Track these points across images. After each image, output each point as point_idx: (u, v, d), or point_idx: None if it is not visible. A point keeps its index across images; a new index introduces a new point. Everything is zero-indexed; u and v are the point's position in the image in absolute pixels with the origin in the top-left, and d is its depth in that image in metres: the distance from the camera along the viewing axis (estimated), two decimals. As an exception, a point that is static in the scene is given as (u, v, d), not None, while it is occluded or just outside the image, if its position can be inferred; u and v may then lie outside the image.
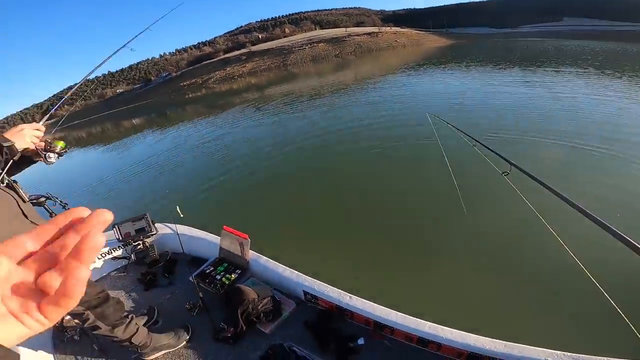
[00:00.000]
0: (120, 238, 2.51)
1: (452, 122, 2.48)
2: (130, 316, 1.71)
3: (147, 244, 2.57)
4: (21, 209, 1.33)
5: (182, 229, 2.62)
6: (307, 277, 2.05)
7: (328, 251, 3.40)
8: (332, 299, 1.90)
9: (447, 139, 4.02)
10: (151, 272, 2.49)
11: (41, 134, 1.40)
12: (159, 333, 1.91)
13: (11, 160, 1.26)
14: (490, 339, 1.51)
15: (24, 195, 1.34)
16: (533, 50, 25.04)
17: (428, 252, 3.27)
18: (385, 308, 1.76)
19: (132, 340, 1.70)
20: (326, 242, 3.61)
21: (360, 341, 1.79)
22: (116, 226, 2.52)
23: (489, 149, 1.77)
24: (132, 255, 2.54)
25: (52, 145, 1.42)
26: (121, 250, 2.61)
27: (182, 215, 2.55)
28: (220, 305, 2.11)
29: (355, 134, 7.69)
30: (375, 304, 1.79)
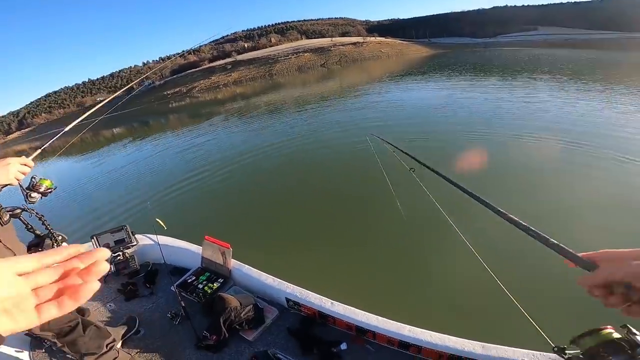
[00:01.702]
0: (99, 250, 2.47)
1: (392, 134, 2.58)
2: (109, 345, 1.61)
3: (127, 255, 2.53)
4: None
5: (164, 239, 2.61)
6: (290, 284, 2.08)
7: (309, 258, 3.45)
8: (314, 305, 1.93)
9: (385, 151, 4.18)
10: (131, 282, 2.47)
11: (29, 170, 1.26)
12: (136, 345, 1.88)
13: None
14: (468, 340, 1.55)
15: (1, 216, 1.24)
16: (507, 59, 26.32)
17: (402, 257, 3.36)
18: (367, 313, 1.80)
19: None
20: (307, 249, 3.66)
21: (343, 346, 1.82)
22: (94, 237, 2.48)
23: (402, 151, 1.71)
24: (112, 266, 2.50)
25: (37, 184, 1.33)
26: (100, 262, 2.57)
27: (165, 228, 2.54)
28: (202, 314, 2.11)
29: (337, 140, 7.84)
30: (357, 309, 1.83)
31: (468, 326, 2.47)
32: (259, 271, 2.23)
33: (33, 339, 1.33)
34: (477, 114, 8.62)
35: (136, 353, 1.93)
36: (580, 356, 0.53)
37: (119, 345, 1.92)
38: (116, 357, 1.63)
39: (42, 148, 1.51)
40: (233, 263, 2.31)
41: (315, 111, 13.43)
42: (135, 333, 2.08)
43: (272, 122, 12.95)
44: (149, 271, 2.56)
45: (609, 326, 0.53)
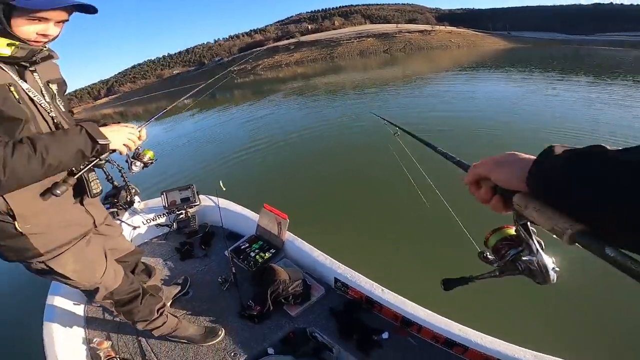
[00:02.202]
0: (166, 205, 2.64)
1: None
2: (159, 311, 1.63)
3: (189, 214, 2.67)
4: (82, 198, 1.24)
5: (224, 202, 2.67)
6: (341, 264, 2.01)
7: (362, 241, 3.32)
8: (363, 289, 1.85)
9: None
10: (189, 242, 2.57)
11: (139, 143, 1.24)
12: (191, 316, 1.91)
13: (95, 160, 1.12)
14: (520, 347, 1.41)
15: (91, 188, 1.21)
16: (610, 59, 22.28)
17: (463, 254, 3.05)
18: (417, 305, 1.69)
19: (153, 332, 1.67)
20: (361, 232, 3.51)
21: (385, 335, 1.74)
22: (164, 193, 2.65)
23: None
24: (174, 223, 2.66)
25: (141, 154, 1.34)
26: (165, 217, 2.74)
27: (224, 189, 2.61)
28: (251, 282, 2.13)
29: (409, 125, 7.44)
30: (407, 300, 1.72)
31: (522, 331, 2.20)
32: (311, 246, 2.18)
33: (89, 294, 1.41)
34: (567, 116, 7.44)
35: (181, 315, 1.99)
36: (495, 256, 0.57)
37: (168, 305, 1.98)
38: (165, 322, 1.67)
39: (149, 121, 1.42)
40: (287, 235, 2.29)
41: (377, 95, 12.94)
42: (185, 294, 2.15)
43: (331, 102, 12.82)
44: (206, 233, 2.64)
45: (510, 225, 0.55)
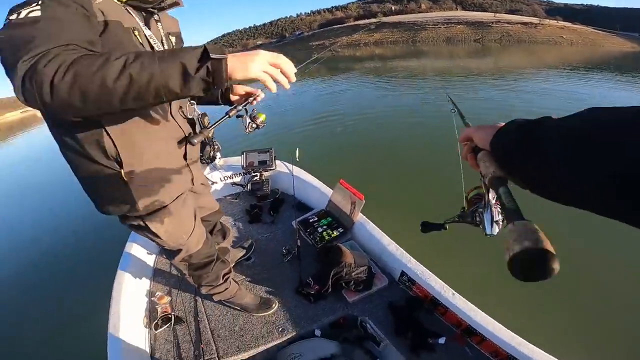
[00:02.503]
0: (244, 165, 2.70)
1: None
2: (225, 277, 1.62)
3: (263, 177, 2.70)
4: (185, 150, 1.15)
5: (298, 171, 2.63)
6: (412, 257, 1.83)
7: (440, 237, 3.04)
8: (431, 289, 1.67)
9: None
10: (259, 205, 2.60)
11: (285, 81, 0.81)
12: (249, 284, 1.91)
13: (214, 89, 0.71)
14: None
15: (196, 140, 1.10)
16: None
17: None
18: (487, 316, 1.49)
19: (213, 297, 1.68)
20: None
21: (441, 340, 1.57)
22: (244, 153, 2.71)
23: None
24: (248, 184, 2.72)
25: (256, 116, 1.26)
26: (240, 177, 2.81)
27: (298, 159, 2.56)
28: (315, 259, 2.07)
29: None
30: (478, 309, 1.53)
31: None
32: (382, 233, 2.03)
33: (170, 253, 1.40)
34: None
35: (240, 280, 1.99)
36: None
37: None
38: (227, 288, 1.67)
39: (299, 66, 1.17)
40: (359, 217, 2.16)
41: (463, 84, 11.74)
42: (247, 259, 2.15)
43: (410, 86, 12.01)
44: (276, 199, 2.65)
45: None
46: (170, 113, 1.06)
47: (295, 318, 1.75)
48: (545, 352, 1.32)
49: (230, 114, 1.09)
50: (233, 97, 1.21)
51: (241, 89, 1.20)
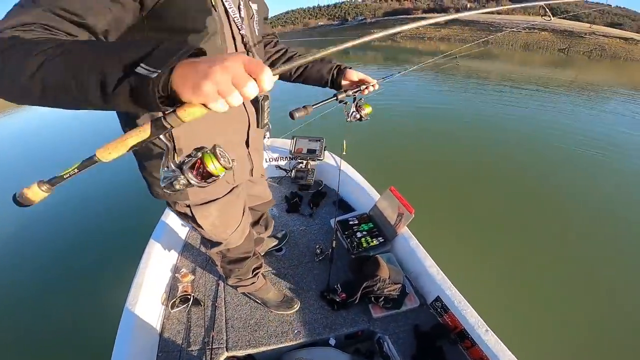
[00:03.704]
0: (293, 151, 2.61)
1: None
2: (255, 271, 1.55)
3: (309, 166, 2.60)
4: (247, 135, 1.03)
5: (346, 166, 2.48)
6: (452, 284, 1.66)
7: (486, 269, 2.77)
8: (465, 322, 1.51)
9: None
10: (299, 195, 2.51)
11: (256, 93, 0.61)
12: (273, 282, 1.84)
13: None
14: None
15: (264, 119, 0.99)
16: None
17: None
18: (514, 357, 1.32)
19: (238, 289, 1.62)
20: (489, 259, 2.95)
21: None
22: (295, 138, 2.62)
23: None
24: (293, 170, 2.64)
25: (362, 106, 1.17)
26: (286, 161, 2.74)
27: (344, 152, 2.41)
28: (348, 267, 1.94)
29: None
30: (508, 350, 1.36)
31: None
32: (426, 253, 1.85)
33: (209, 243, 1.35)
34: None
35: (266, 271, 1.92)
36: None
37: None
38: (254, 282, 1.60)
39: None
40: (404, 230, 1.98)
41: (531, 96, 10.54)
42: (278, 250, 2.07)
43: (475, 89, 11.06)
44: (318, 191, 2.55)
45: None
46: None
47: (313, 323, 1.67)
48: None
49: (339, 98, 1.04)
50: (344, 82, 1.13)
51: (355, 75, 1.12)
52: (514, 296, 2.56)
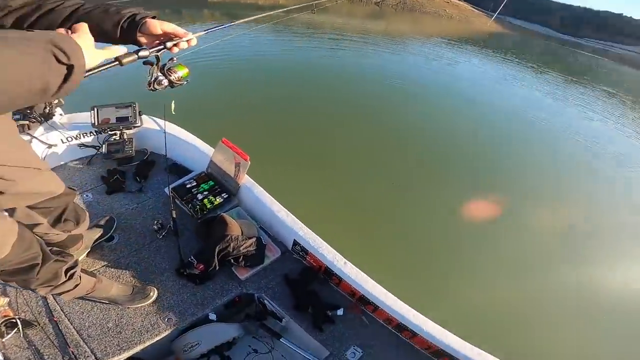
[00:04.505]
0: (96, 123, 2.06)
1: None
2: (69, 273, 1.24)
3: (125, 136, 2.15)
4: None
5: (172, 128, 2.18)
6: (304, 225, 1.76)
7: (331, 202, 3.09)
8: (324, 259, 1.66)
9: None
10: (120, 170, 2.09)
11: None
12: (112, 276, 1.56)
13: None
14: (466, 343, 1.41)
15: None
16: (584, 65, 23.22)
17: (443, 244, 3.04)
18: (377, 285, 1.59)
19: (62, 297, 1.33)
20: (333, 192, 3.26)
21: (339, 312, 1.64)
22: (95, 108, 2.06)
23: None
24: (104, 145, 2.11)
25: (172, 68, 0.90)
26: (92, 137, 2.17)
27: (174, 112, 2.09)
28: (195, 233, 1.81)
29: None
30: (369, 278, 1.60)
31: (481, 332, 2.28)
32: (272, 198, 1.88)
33: None
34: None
35: (102, 267, 1.61)
36: None
37: (83, 256, 1.60)
38: (77, 284, 1.30)
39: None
40: (245, 179, 1.94)
41: (352, 43, 12.12)
42: (108, 239, 1.72)
43: (304, 41, 11.69)
44: (144, 161, 2.18)
45: None
46: None
47: (181, 304, 1.54)
48: (430, 319, 1.47)
49: (123, 62, 0.74)
50: (142, 38, 0.85)
51: (158, 27, 0.85)
52: (360, 222, 2.98)
